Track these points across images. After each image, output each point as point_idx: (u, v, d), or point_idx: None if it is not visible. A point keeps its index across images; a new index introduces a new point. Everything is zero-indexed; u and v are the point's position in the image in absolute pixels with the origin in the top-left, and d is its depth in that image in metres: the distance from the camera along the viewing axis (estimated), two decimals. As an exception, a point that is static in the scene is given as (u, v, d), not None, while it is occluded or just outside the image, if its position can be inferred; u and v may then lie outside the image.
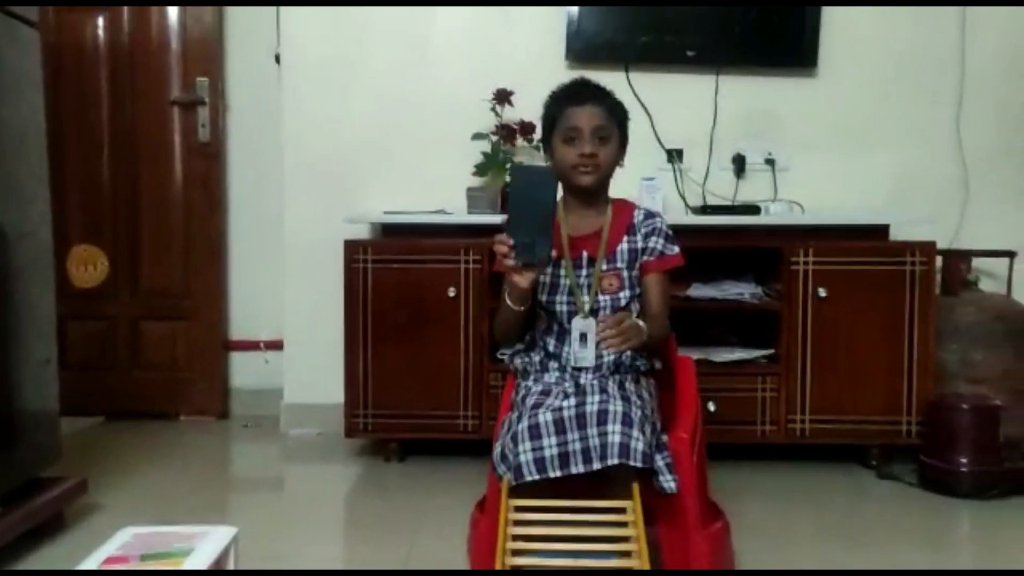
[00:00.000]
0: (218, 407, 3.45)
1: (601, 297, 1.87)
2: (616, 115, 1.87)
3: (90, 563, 1.18)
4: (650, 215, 1.93)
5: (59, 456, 2.20)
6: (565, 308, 1.88)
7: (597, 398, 1.63)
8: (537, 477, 1.59)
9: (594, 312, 1.87)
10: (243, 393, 3.49)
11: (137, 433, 3.20)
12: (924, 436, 2.61)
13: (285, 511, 2.47)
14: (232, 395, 3.50)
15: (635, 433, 1.60)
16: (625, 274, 1.88)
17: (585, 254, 1.88)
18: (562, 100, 1.87)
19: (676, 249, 1.91)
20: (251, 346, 3.49)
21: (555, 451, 1.60)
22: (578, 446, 1.59)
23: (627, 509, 1.51)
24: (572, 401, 1.64)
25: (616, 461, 1.56)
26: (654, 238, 1.89)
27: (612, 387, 1.71)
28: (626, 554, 1.40)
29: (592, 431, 1.59)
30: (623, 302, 1.88)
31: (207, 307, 3.44)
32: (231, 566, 1.33)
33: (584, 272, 1.88)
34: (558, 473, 1.58)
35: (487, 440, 1.92)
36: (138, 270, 3.44)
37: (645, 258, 1.89)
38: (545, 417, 1.62)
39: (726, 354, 2.75)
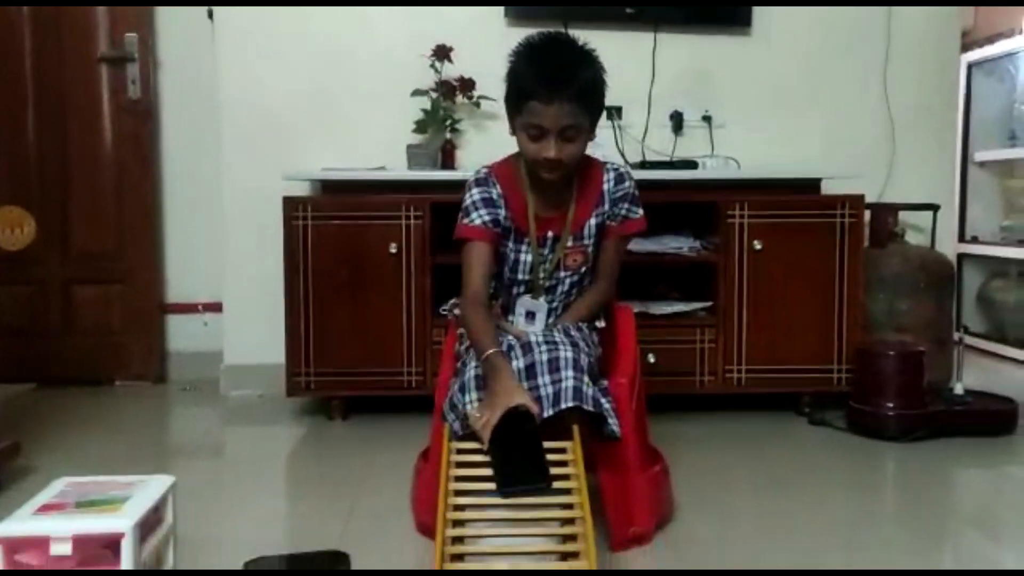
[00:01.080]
0: (155, 371, 3.39)
1: (562, 272, 1.88)
2: (589, 103, 1.71)
3: (24, 512, 1.17)
4: (620, 179, 1.88)
5: (-11, 418, 2.15)
6: (525, 282, 1.89)
7: (545, 348, 1.64)
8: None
9: (552, 287, 1.88)
10: (181, 357, 3.43)
11: (71, 399, 3.13)
12: (853, 383, 2.71)
13: (226, 471, 2.46)
14: (170, 359, 3.44)
15: (585, 378, 1.63)
16: (591, 250, 1.89)
17: (550, 234, 1.87)
18: (527, 89, 1.69)
19: (640, 212, 1.90)
20: (189, 309, 3.43)
21: None
22: (536, 394, 1.60)
23: (567, 449, 1.54)
24: (520, 359, 1.63)
25: (571, 404, 1.58)
26: (624, 203, 1.88)
27: (559, 335, 1.72)
28: (566, 491, 1.43)
29: (544, 379, 1.60)
30: (583, 273, 1.90)
31: (142, 269, 3.36)
32: (169, 515, 1.32)
33: (549, 250, 1.87)
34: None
35: (431, 396, 1.94)
36: (68, 232, 3.34)
37: (609, 222, 1.88)
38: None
39: (665, 307, 2.80)
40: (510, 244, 1.87)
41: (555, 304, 1.90)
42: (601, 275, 1.91)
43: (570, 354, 1.63)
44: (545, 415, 1.57)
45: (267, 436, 2.76)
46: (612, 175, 1.88)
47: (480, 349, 1.65)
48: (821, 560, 1.73)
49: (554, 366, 1.61)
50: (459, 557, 1.33)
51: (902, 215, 3.08)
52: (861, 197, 2.78)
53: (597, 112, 1.77)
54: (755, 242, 2.74)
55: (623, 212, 1.89)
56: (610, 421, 1.66)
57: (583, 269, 1.89)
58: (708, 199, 2.79)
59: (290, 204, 2.73)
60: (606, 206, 1.88)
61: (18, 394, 3.19)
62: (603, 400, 1.66)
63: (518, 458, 1.44)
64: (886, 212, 3.03)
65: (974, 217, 4.12)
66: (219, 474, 2.40)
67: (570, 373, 1.61)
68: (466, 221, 1.82)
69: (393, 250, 2.72)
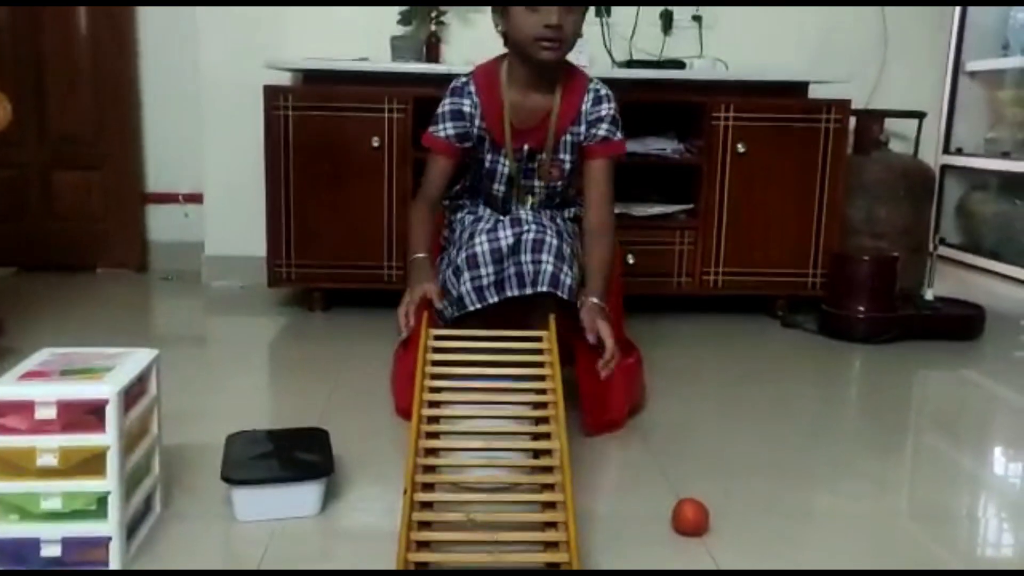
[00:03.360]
0: (137, 260, 3.39)
1: (537, 183, 1.88)
2: None
3: (8, 379, 1.19)
4: (598, 99, 1.84)
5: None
6: (501, 195, 1.89)
7: (534, 227, 1.67)
8: (478, 305, 1.67)
9: (527, 193, 1.89)
10: (162, 246, 3.43)
11: (52, 284, 3.13)
12: (827, 287, 2.76)
13: (208, 356, 2.50)
14: (151, 248, 3.44)
15: (565, 268, 1.67)
16: (567, 165, 1.88)
17: (527, 147, 1.84)
18: None
19: (620, 135, 1.85)
20: (170, 199, 3.41)
21: (492, 279, 1.67)
22: (512, 271, 1.66)
23: (543, 338, 1.58)
24: (509, 231, 1.67)
25: (545, 288, 1.63)
26: (602, 124, 1.83)
27: (547, 220, 1.74)
28: (540, 378, 1.47)
29: (526, 257, 1.65)
30: (559, 189, 1.90)
31: (121, 156, 3.32)
32: (154, 386, 1.35)
33: (526, 163, 1.86)
34: (495, 299, 1.66)
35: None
36: (46, 115, 3.28)
37: (587, 143, 1.84)
38: (482, 247, 1.67)
39: (646, 208, 2.81)
40: (487, 155, 1.86)
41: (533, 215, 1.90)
42: (598, 222, 1.83)
43: (555, 241, 1.67)
44: (526, 291, 1.64)
45: (248, 325, 2.79)
46: (591, 95, 1.83)
47: (413, 249, 1.80)
48: (783, 444, 1.81)
49: (537, 247, 1.66)
50: (434, 435, 1.37)
51: (888, 122, 3.07)
52: (847, 102, 2.77)
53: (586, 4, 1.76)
54: (739, 145, 2.73)
55: (602, 132, 1.83)
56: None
57: (559, 184, 1.90)
58: (694, 100, 2.77)
59: (271, 93, 2.69)
60: (582, 127, 1.84)
61: (0, 277, 3.19)
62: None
63: None
64: (872, 119, 3.03)
65: (960, 128, 4.11)
66: (202, 358, 2.44)
67: (550, 258, 1.65)
68: (432, 130, 1.85)
69: (375, 143, 2.69)
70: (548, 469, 1.31)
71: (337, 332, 2.65)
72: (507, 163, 1.85)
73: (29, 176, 3.32)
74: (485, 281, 1.68)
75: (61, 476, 1.16)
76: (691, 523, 1.38)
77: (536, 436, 1.41)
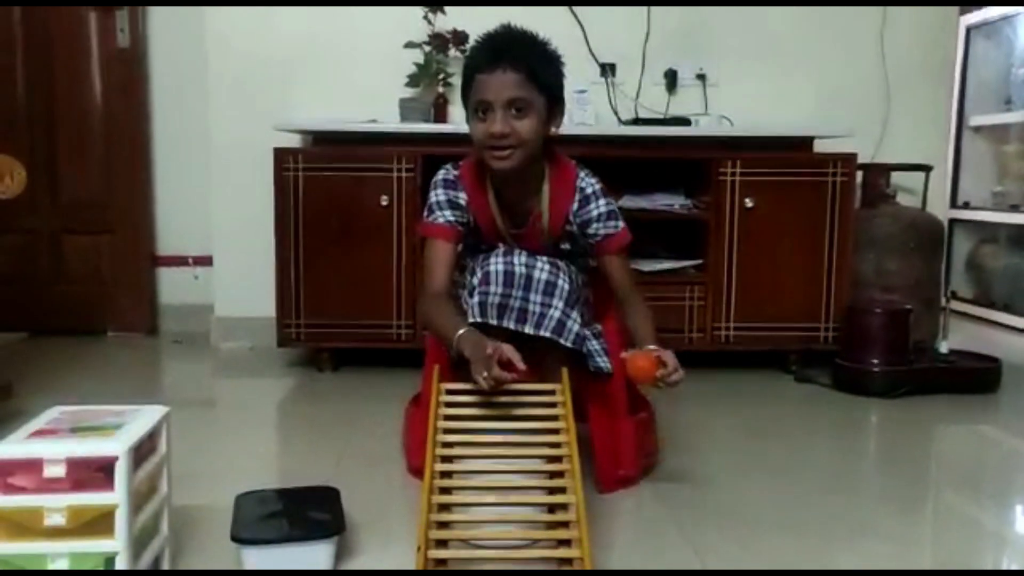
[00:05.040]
0: (147, 323, 3.39)
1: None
2: (540, 77, 1.58)
3: (18, 437, 1.18)
4: (585, 201, 1.73)
5: (-19, 360, 2.15)
6: None
7: (547, 268, 1.64)
8: (478, 319, 1.62)
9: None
10: (172, 309, 3.44)
11: (63, 348, 3.13)
12: (840, 340, 2.73)
13: (219, 417, 2.48)
14: (161, 311, 3.45)
15: (573, 315, 1.65)
16: (569, 248, 1.81)
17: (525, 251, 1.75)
18: (472, 63, 1.60)
19: (621, 225, 1.77)
20: (179, 262, 3.43)
21: (497, 299, 1.62)
22: (517, 304, 1.62)
23: (556, 392, 1.56)
24: (523, 259, 1.64)
25: (548, 335, 1.61)
26: (595, 225, 1.74)
27: (562, 264, 1.71)
28: (554, 431, 1.45)
29: (536, 297, 1.62)
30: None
31: (132, 220, 3.35)
32: (163, 445, 1.34)
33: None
34: (494, 322, 1.62)
35: (420, 350, 1.96)
36: (58, 181, 3.33)
37: (591, 241, 1.76)
38: (496, 267, 1.63)
39: (655, 264, 2.81)
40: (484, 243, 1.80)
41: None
42: (624, 293, 1.79)
43: (566, 285, 1.65)
44: (526, 330, 1.60)
45: (258, 386, 2.77)
46: (578, 196, 1.72)
47: (448, 336, 1.57)
48: (801, 500, 1.77)
49: (549, 289, 1.63)
50: (447, 491, 1.35)
51: (894, 176, 3.09)
52: (853, 156, 2.79)
53: (552, 93, 1.62)
54: (746, 200, 2.74)
55: (602, 231, 1.74)
56: (598, 359, 1.68)
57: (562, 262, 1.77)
58: (701, 156, 2.79)
59: (281, 155, 2.72)
60: (574, 227, 1.75)
61: (10, 342, 3.19)
62: (595, 342, 1.70)
63: None
64: (878, 172, 3.04)
65: (966, 182, 4.13)
66: (211, 420, 2.41)
67: (559, 304, 1.62)
68: (430, 219, 1.74)
69: (384, 202, 2.71)
70: (564, 524, 1.28)
71: (347, 392, 2.63)
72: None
73: (40, 240, 3.35)
74: (491, 299, 1.62)
75: (69, 536, 1.14)
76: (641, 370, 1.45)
77: (551, 490, 1.38)
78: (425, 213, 1.77)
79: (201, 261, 3.37)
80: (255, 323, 3.08)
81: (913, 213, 3.03)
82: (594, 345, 1.73)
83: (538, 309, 1.62)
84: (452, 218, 1.73)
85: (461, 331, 1.55)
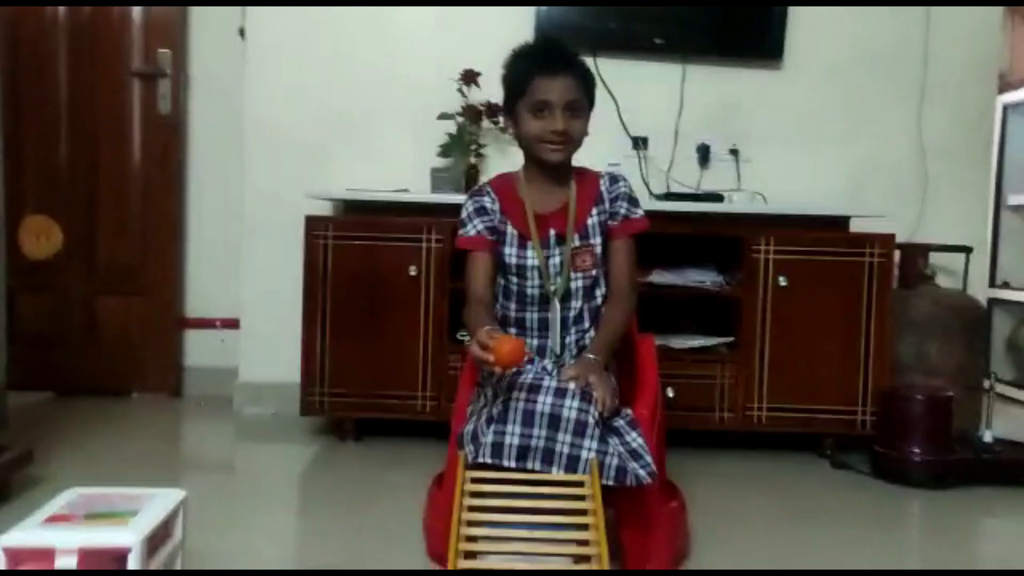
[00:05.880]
0: (172, 385, 3.38)
1: (573, 275, 1.85)
2: (587, 84, 1.81)
3: (33, 521, 1.14)
4: (614, 179, 1.91)
5: (4, 425, 2.14)
6: (537, 291, 1.86)
7: (576, 403, 1.56)
8: (489, 461, 1.55)
9: (565, 295, 1.85)
10: (197, 372, 3.42)
11: (87, 408, 3.12)
12: (878, 426, 2.64)
13: (236, 487, 2.43)
14: (186, 373, 3.43)
15: (611, 447, 1.58)
16: (598, 249, 1.87)
17: (553, 232, 1.85)
18: (532, 67, 1.79)
19: (640, 212, 1.91)
20: (206, 324, 3.43)
21: (516, 440, 1.55)
22: (541, 444, 1.54)
23: (584, 483, 1.50)
24: (549, 399, 1.56)
25: (586, 476, 1.52)
26: (619, 202, 1.88)
27: (594, 377, 1.63)
28: (582, 527, 1.39)
29: (564, 437, 1.54)
30: (593, 280, 1.87)
31: (163, 283, 3.37)
32: (179, 530, 1.30)
33: (555, 252, 1.85)
34: (513, 464, 1.54)
35: (445, 422, 1.91)
36: (93, 244, 3.36)
37: (610, 222, 1.87)
38: (517, 403, 1.56)
39: (686, 341, 2.76)
40: (514, 251, 1.85)
41: (571, 313, 1.86)
42: (617, 287, 1.88)
43: (591, 419, 1.55)
44: (553, 472, 1.52)
45: (279, 454, 2.73)
46: (607, 177, 1.92)
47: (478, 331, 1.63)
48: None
49: (580, 429, 1.54)
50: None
51: (933, 256, 3.03)
52: (891, 237, 2.73)
53: (591, 104, 1.84)
54: (780, 278, 2.69)
55: (622, 211, 1.89)
56: (640, 471, 1.59)
57: (595, 272, 1.87)
58: (733, 233, 2.75)
59: (312, 223, 2.73)
60: (606, 204, 1.88)
61: (36, 402, 3.19)
62: (632, 442, 1.64)
63: None
64: (916, 253, 2.98)
65: (1006, 262, 4.05)
66: (230, 490, 2.37)
67: (593, 445, 1.54)
68: (462, 233, 1.88)
69: (413, 273, 2.70)
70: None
71: (369, 463, 2.58)
72: (535, 255, 1.83)
73: (72, 302, 3.37)
74: (507, 439, 1.55)
75: (77, 629, 1.10)
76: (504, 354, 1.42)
77: (579, 592, 1.31)
78: (458, 229, 1.90)
79: (228, 324, 3.37)
80: (279, 389, 3.05)
81: (953, 295, 2.95)
82: (632, 458, 1.62)
83: (566, 450, 1.54)
84: (483, 226, 1.86)
85: (484, 328, 1.61)
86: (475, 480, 1.49)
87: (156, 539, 1.19)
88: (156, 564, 1.18)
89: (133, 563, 1.10)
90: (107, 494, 1.26)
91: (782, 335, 2.72)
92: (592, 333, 1.85)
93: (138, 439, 2.82)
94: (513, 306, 1.88)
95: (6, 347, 2.13)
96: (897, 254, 2.86)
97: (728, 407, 2.73)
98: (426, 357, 2.72)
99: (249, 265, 3.17)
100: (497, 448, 1.56)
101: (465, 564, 1.30)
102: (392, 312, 2.71)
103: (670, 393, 2.66)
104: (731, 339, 2.77)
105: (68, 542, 1.09)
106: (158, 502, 1.25)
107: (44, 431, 2.70)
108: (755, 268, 2.71)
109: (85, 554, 1.09)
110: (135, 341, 3.37)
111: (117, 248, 3.36)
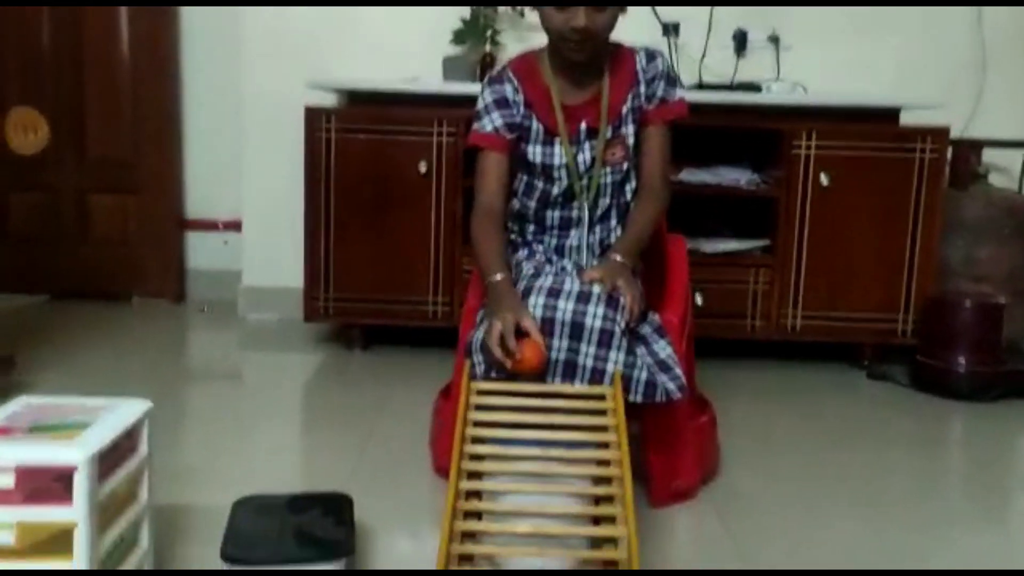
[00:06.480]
0: (174, 289, 3.23)
1: (603, 171, 1.64)
2: None
3: (-33, 435, 0.99)
4: (651, 56, 1.66)
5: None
6: (562, 190, 1.65)
7: (600, 311, 1.40)
8: (503, 381, 1.39)
9: (593, 194, 1.64)
10: (200, 275, 3.27)
11: (84, 313, 2.98)
12: (921, 335, 2.47)
13: (235, 399, 2.30)
14: (189, 277, 3.28)
15: (639, 360, 1.43)
16: (630, 140, 1.65)
17: (584, 125, 1.62)
18: None
19: (679, 94, 1.67)
20: (209, 226, 3.26)
21: None
22: (563, 356, 1.40)
23: (607, 396, 1.34)
24: (571, 304, 1.40)
25: (608, 388, 1.37)
26: (656, 83, 1.64)
27: (621, 281, 1.46)
28: (603, 445, 1.23)
29: (588, 349, 1.39)
30: (624, 174, 1.65)
31: (160, 180, 3.18)
32: (143, 447, 1.15)
33: (585, 147, 1.63)
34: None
35: (456, 329, 1.74)
36: (83, 137, 3.17)
37: (645, 106, 1.65)
38: (535, 311, 1.40)
39: (718, 244, 2.56)
40: (539, 149, 1.63)
41: (598, 212, 1.66)
42: (649, 180, 1.66)
43: (618, 329, 1.40)
44: (576, 385, 1.39)
45: (283, 363, 2.60)
46: (643, 53, 1.67)
47: (486, 272, 1.51)
48: (878, 523, 1.53)
49: (605, 339, 1.39)
50: (475, 515, 1.14)
51: (986, 153, 2.78)
52: (945, 130, 2.50)
53: None
54: (822, 176, 2.47)
55: (659, 92, 1.65)
56: (669, 384, 1.45)
57: (625, 166, 1.65)
58: (772, 127, 2.53)
59: (313, 115, 2.52)
60: (641, 86, 1.64)
61: (28, 305, 3.06)
62: (660, 350, 1.48)
63: None
64: (969, 149, 2.73)
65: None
66: (228, 402, 2.24)
67: (620, 357, 1.39)
68: (477, 127, 1.64)
69: (423, 169, 2.50)
70: (611, 562, 1.07)
71: (376, 373, 2.44)
72: (563, 152, 1.62)
73: (64, 199, 3.20)
74: None
75: (18, 557, 0.95)
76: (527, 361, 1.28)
77: (596, 518, 1.16)
78: (473, 121, 1.66)
79: (231, 226, 3.20)
80: (284, 294, 2.91)
81: (1008, 195, 2.72)
82: (661, 370, 1.48)
83: (590, 363, 1.39)
84: (501, 121, 1.62)
85: (497, 277, 1.48)
86: (482, 392, 1.33)
87: (113, 456, 1.04)
88: (112, 485, 1.04)
89: (79, 483, 0.95)
90: (59, 404, 1.11)
91: (821, 238, 2.52)
92: (619, 232, 1.65)
93: (136, 346, 2.69)
94: (533, 204, 1.68)
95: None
96: (948, 151, 2.62)
97: (761, 315, 2.56)
98: (437, 260, 2.54)
99: (250, 162, 2.99)
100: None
101: (468, 486, 1.15)
102: (401, 211, 2.53)
103: (699, 300, 2.48)
104: (766, 242, 2.57)
105: (5, 458, 0.94)
106: (117, 413, 1.09)
107: (34, 337, 2.57)
108: (795, 165, 2.49)
109: (24, 473, 0.94)
110: (132, 242, 3.21)
111: (108, 142, 3.17)
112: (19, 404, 1.10)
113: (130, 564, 1.11)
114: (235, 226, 3.15)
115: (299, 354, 2.64)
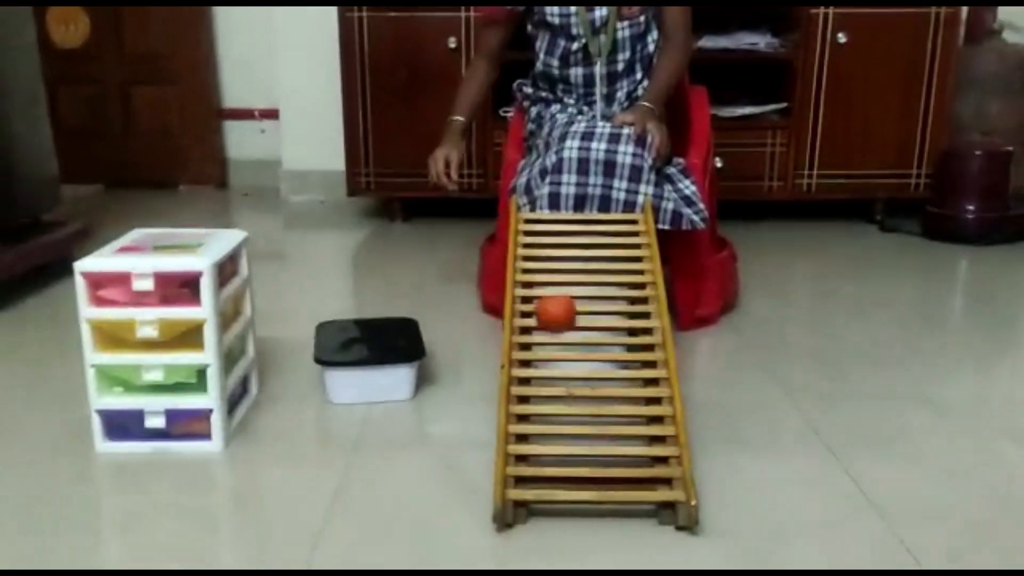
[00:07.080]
0: (216, 176, 3.40)
1: (620, 25, 1.75)
2: None
3: (103, 253, 1.18)
4: None
5: (58, 201, 2.18)
6: (581, 47, 1.75)
7: (631, 149, 1.55)
8: (548, 212, 1.56)
9: (613, 47, 1.75)
10: (240, 164, 3.43)
11: (138, 199, 3.17)
12: (932, 186, 2.59)
13: (292, 265, 2.49)
14: (230, 165, 3.44)
15: (666, 193, 1.58)
16: None
17: None
18: None
19: None
20: (246, 115, 3.39)
21: (572, 190, 1.56)
22: (599, 192, 1.55)
23: (638, 221, 1.50)
24: (603, 145, 1.55)
25: (640, 215, 1.53)
26: None
27: (650, 123, 1.60)
28: (637, 259, 1.40)
29: (620, 184, 1.55)
30: (643, 26, 1.76)
31: (195, 71, 3.30)
32: (244, 268, 1.33)
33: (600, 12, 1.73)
34: (570, 213, 1.55)
35: (492, 199, 1.91)
36: (120, 31, 3.28)
37: None
38: (571, 152, 1.56)
39: (736, 110, 2.67)
40: (556, 9, 1.72)
41: (619, 67, 1.77)
42: (672, 30, 1.75)
43: (646, 164, 1.55)
44: (610, 213, 1.54)
45: (330, 237, 2.78)
46: None
47: (454, 108, 1.85)
48: (880, 344, 1.70)
49: (635, 175, 1.54)
50: (528, 315, 1.32)
51: (1001, 9, 2.83)
52: (960, -14, 2.56)
53: None
54: (839, 34, 2.56)
55: None
56: (694, 216, 1.61)
57: (642, 18, 1.74)
58: (790, -11, 2.59)
59: (344, -4, 2.61)
60: None
61: (88, 194, 3.24)
62: (685, 188, 1.63)
63: None
64: (985, 5, 2.79)
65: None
66: (286, 267, 2.43)
67: (648, 189, 1.55)
68: None
69: (452, 44, 2.61)
70: (649, 347, 1.25)
71: (420, 239, 2.61)
72: (578, 12, 1.70)
73: (109, 92, 3.34)
74: (564, 190, 1.56)
75: (162, 349, 1.15)
76: (552, 316, 1.29)
77: (634, 316, 1.34)
78: None
79: (267, 115, 3.33)
80: (324, 176, 3.07)
81: (1021, 50, 2.79)
82: (686, 204, 1.64)
83: (623, 196, 1.55)
84: None
85: (453, 117, 1.83)
86: (528, 221, 1.50)
87: (225, 271, 1.23)
88: (226, 295, 1.22)
89: (206, 287, 1.14)
90: (171, 232, 1.29)
91: (837, 98, 2.62)
92: (645, 84, 1.78)
93: (188, 228, 2.87)
94: (556, 63, 1.80)
95: (48, 117, 2.13)
96: (963, 7, 2.68)
97: (778, 176, 2.69)
98: (471, 133, 2.66)
99: (284, 51, 3.08)
100: (554, 198, 1.56)
101: (523, 293, 1.33)
102: (433, 87, 2.65)
103: (718, 163, 2.60)
104: (783, 105, 2.67)
105: (142, 267, 1.12)
106: (222, 237, 1.27)
107: (98, 217, 2.75)
108: (812, 25, 2.57)
109: (160, 277, 1.13)
110: (175, 132, 3.36)
111: (144, 34, 3.28)
112: (137, 233, 1.28)
113: (241, 367, 1.31)
114: (271, 115, 3.29)
115: (344, 229, 2.81)
